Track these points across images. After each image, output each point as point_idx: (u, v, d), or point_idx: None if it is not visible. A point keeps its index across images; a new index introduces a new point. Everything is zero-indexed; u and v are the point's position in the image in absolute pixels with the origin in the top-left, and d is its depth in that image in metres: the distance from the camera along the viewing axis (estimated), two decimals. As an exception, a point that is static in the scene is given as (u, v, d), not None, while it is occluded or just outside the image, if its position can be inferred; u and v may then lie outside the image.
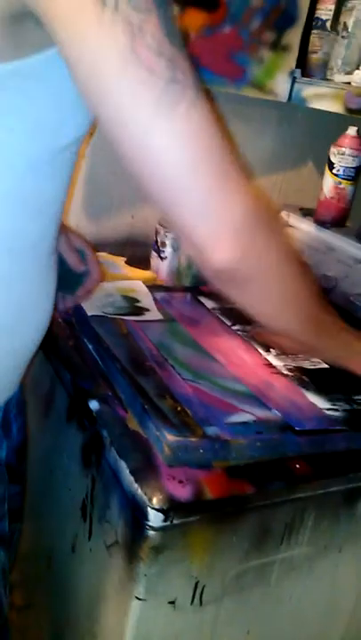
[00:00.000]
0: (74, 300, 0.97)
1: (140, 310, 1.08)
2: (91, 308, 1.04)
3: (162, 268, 1.32)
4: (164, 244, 1.32)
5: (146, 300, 1.13)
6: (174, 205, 0.58)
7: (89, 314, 1.02)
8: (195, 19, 1.21)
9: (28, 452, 0.93)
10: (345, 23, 1.29)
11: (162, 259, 1.32)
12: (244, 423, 0.80)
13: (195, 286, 1.28)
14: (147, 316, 1.06)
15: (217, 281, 0.65)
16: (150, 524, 0.71)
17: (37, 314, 0.75)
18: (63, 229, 0.95)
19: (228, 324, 1.09)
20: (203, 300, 1.18)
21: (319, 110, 1.33)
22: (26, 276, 0.71)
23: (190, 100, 0.54)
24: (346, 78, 1.29)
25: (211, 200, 0.57)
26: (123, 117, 0.55)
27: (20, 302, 0.71)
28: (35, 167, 0.65)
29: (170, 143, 0.55)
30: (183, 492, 0.72)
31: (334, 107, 1.29)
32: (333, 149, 1.32)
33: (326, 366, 1.00)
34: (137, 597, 0.75)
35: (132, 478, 0.73)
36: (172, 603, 0.77)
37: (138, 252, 1.40)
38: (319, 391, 0.91)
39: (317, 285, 0.77)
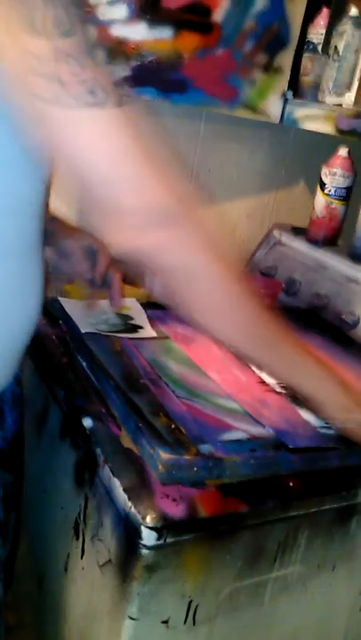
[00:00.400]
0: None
1: (134, 328, 1.09)
2: (84, 325, 1.04)
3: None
4: (157, 262, 1.32)
5: (139, 317, 1.13)
6: (96, 196, 0.64)
7: (83, 331, 1.02)
8: (188, 41, 1.23)
9: (24, 444, 0.92)
10: (336, 47, 1.32)
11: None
12: (238, 441, 0.80)
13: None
14: (140, 334, 1.07)
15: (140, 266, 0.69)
16: (144, 542, 0.70)
17: (22, 309, 0.76)
18: (73, 230, 0.99)
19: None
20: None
21: (311, 131, 1.36)
22: (6, 273, 0.72)
23: (114, 101, 0.60)
24: (337, 100, 1.32)
25: (128, 192, 0.62)
26: (50, 125, 0.60)
27: (3, 299, 0.73)
28: (8, 165, 0.66)
29: (93, 139, 0.60)
30: (177, 511, 0.71)
31: (326, 128, 1.31)
32: (325, 170, 1.33)
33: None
34: (130, 617, 0.74)
35: (125, 496, 0.73)
36: (165, 622, 0.76)
37: (132, 269, 1.41)
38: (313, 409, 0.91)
39: (271, 309, 0.76)
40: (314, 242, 1.38)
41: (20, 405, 0.89)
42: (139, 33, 1.18)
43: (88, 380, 0.95)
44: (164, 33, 1.20)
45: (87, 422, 0.86)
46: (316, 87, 1.38)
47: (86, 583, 0.86)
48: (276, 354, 0.77)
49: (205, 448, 0.76)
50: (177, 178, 0.66)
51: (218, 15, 1.24)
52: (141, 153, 0.63)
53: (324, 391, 0.80)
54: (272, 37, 1.34)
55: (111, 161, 0.61)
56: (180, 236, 0.65)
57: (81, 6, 0.59)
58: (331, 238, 1.37)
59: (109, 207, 0.63)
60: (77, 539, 0.88)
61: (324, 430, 0.86)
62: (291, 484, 0.79)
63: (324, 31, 1.36)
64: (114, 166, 0.62)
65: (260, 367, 0.86)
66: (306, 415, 0.89)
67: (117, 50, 1.16)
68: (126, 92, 1.20)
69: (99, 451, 0.81)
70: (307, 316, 1.31)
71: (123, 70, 1.18)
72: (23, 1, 0.55)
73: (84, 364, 0.99)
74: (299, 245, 1.42)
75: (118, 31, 1.16)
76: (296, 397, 0.94)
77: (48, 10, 0.56)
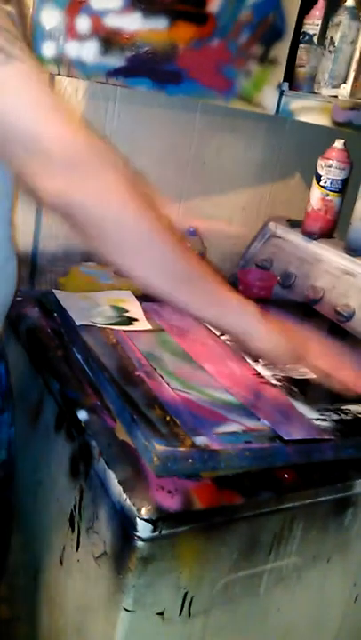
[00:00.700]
0: None
1: (129, 320, 1.08)
2: (79, 317, 1.04)
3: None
4: (152, 255, 1.32)
5: (135, 309, 1.13)
6: (7, 145, 0.64)
7: (78, 324, 1.02)
8: (184, 32, 1.22)
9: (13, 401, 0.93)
10: (332, 38, 1.31)
11: (151, 269, 1.32)
12: (233, 433, 0.80)
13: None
14: (136, 326, 1.07)
15: (60, 218, 0.67)
16: (139, 534, 0.70)
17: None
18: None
19: (217, 334, 1.10)
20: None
21: (306, 123, 1.35)
22: None
23: (12, 69, 0.61)
24: (333, 92, 1.31)
25: (29, 142, 0.62)
26: None
27: None
28: None
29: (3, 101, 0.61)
30: (172, 503, 0.71)
31: (321, 120, 1.30)
32: (321, 162, 1.33)
33: (315, 376, 1.00)
34: (125, 609, 0.74)
35: (120, 489, 0.73)
36: (160, 614, 0.76)
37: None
38: (308, 401, 0.91)
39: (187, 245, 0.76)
40: (309, 234, 1.37)
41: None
42: (133, 23, 1.17)
43: (83, 373, 0.95)
44: (159, 23, 1.19)
45: (82, 415, 0.86)
46: (312, 79, 1.37)
47: (82, 575, 0.86)
48: (196, 290, 0.74)
49: (200, 440, 0.76)
50: (85, 126, 0.67)
51: (213, 6, 1.23)
52: (52, 103, 0.64)
53: (245, 324, 0.77)
54: (268, 28, 1.33)
55: (26, 111, 0.62)
56: (91, 177, 0.65)
57: None
58: (327, 231, 1.37)
59: (18, 163, 0.65)
60: (73, 531, 0.88)
61: (318, 422, 0.86)
62: (286, 476, 0.79)
63: (319, 22, 1.35)
64: (28, 117, 0.62)
65: (177, 306, 0.79)
66: (301, 407, 0.89)
67: (112, 40, 1.15)
68: (121, 82, 1.19)
69: (94, 443, 0.81)
70: (302, 308, 1.31)
71: (117, 61, 1.17)
72: None
73: (79, 356, 0.99)
74: (294, 238, 1.41)
75: (113, 21, 1.14)
76: (291, 389, 0.95)
77: None
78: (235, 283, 1.38)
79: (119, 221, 0.67)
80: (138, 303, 1.15)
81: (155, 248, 0.68)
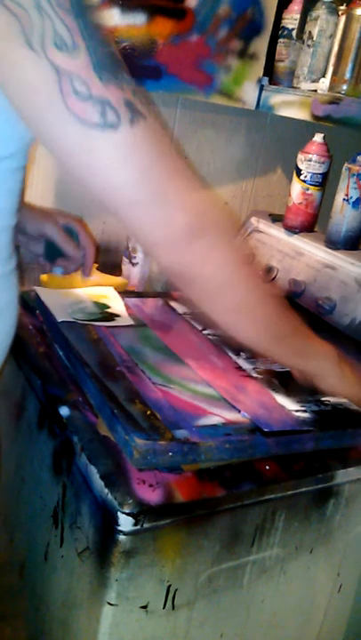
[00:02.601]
0: (50, 268, 1.06)
1: (111, 316, 1.08)
2: (61, 314, 1.04)
3: (133, 274, 1.33)
4: (135, 251, 1.33)
5: (117, 305, 1.13)
6: (124, 217, 0.64)
7: (59, 320, 1.02)
8: (162, 27, 1.22)
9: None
10: (310, 32, 1.31)
11: (133, 265, 1.32)
12: (213, 426, 0.80)
13: (166, 292, 1.28)
14: (117, 322, 1.07)
15: (170, 277, 0.73)
16: (121, 528, 0.71)
17: None
18: (49, 214, 1.01)
19: (199, 328, 1.10)
20: (174, 305, 1.19)
21: (287, 117, 1.36)
22: None
23: (128, 120, 0.59)
24: (312, 86, 1.32)
25: (153, 212, 0.63)
26: (64, 146, 0.60)
27: None
28: None
29: (111, 163, 0.60)
30: (153, 496, 0.72)
31: (301, 114, 1.31)
32: (301, 156, 1.34)
33: None
34: (109, 603, 0.74)
35: (102, 483, 0.74)
36: (144, 607, 0.77)
37: (109, 258, 1.41)
38: (288, 393, 0.92)
39: (285, 303, 0.81)
40: (291, 228, 1.38)
41: None
42: (112, 19, 1.16)
43: (65, 369, 0.95)
44: (138, 19, 1.19)
45: (64, 411, 0.86)
46: (292, 73, 1.37)
47: (66, 571, 0.86)
48: (288, 345, 0.84)
49: (180, 433, 0.77)
50: (200, 188, 0.67)
51: (191, 1, 1.23)
52: (162, 169, 0.63)
53: (324, 368, 0.88)
54: (247, 23, 1.33)
55: (131, 183, 0.61)
56: (211, 249, 0.67)
57: (88, 17, 0.56)
58: (308, 225, 1.37)
59: (139, 228, 0.65)
60: (57, 527, 0.88)
61: (299, 414, 0.86)
62: (267, 468, 0.80)
63: (298, 17, 1.35)
64: (135, 188, 0.61)
65: (273, 358, 0.95)
66: (281, 399, 0.90)
67: (90, 36, 1.15)
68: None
69: (76, 439, 0.81)
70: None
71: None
72: (17, 13, 0.53)
73: (61, 352, 0.99)
74: (276, 232, 1.42)
75: (90, 17, 1.14)
76: (272, 382, 0.95)
77: (45, 23, 0.53)
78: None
79: (232, 291, 0.72)
80: (120, 299, 1.15)
81: (259, 312, 0.76)
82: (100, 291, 1.17)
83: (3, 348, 0.81)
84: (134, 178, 0.61)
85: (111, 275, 1.30)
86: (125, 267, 1.34)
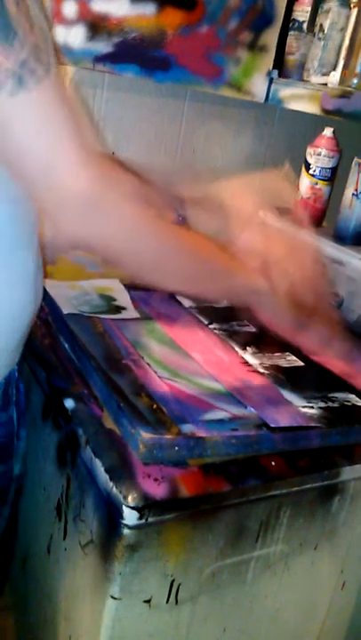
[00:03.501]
0: None
1: (117, 309, 1.08)
2: (67, 306, 1.03)
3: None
4: (141, 243, 1.32)
5: (123, 298, 1.12)
6: (24, 169, 0.62)
7: (65, 312, 1.01)
8: (172, 17, 1.21)
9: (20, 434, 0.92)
10: (321, 25, 1.30)
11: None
12: (220, 420, 0.80)
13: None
14: (123, 315, 1.06)
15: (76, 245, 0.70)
16: (125, 522, 0.70)
17: (12, 304, 0.76)
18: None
19: (206, 322, 1.09)
20: (180, 298, 1.18)
21: (296, 111, 1.34)
22: None
23: (37, 77, 0.58)
24: (322, 79, 1.30)
25: (45, 179, 0.61)
26: None
27: None
28: None
29: (17, 113, 0.59)
30: (158, 490, 0.71)
31: (311, 108, 1.30)
32: (310, 150, 1.32)
33: (302, 364, 1.01)
34: (112, 597, 0.74)
35: (107, 477, 0.73)
36: (147, 601, 0.76)
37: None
38: (295, 389, 0.91)
39: (208, 244, 0.78)
40: (298, 223, 1.37)
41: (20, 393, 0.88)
42: (121, 8, 1.15)
43: (70, 362, 0.95)
44: (148, 9, 1.18)
45: (69, 403, 0.85)
46: (302, 66, 1.36)
47: (69, 564, 0.86)
48: (217, 288, 0.80)
49: (187, 427, 0.76)
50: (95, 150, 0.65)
51: (202, -9, 1.22)
52: (55, 132, 0.61)
53: (259, 303, 0.84)
54: (257, 15, 1.32)
55: (43, 140, 0.60)
56: (116, 219, 0.65)
57: None
58: (315, 219, 1.37)
59: (47, 192, 0.63)
60: (60, 520, 0.88)
61: (305, 410, 0.86)
62: (273, 464, 0.79)
63: (309, 9, 1.34)
64: (26, 154, 0.60)
65: (199, 297, 0.93)
66: (288, 395, 0.89)
67: (99, 26, 1.14)
68: (108, 68, 1.18)
69: (81, 431, 0.81)
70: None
71: (105, 47, 1.16)
72: None
73: (66, 345, 0.98)
74: (283, 227, 1.41)
75: (100, 6, 1.13)
76: (278, 377, 0.94)
77: None
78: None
79: (137, 252, 0.69)
80: (126, 292, 1.15)
81: (176, 262, 0.74)
82: (106, 283, 1.17)
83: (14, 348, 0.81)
84: (25, 142, 0.60)
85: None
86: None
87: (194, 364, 0.94)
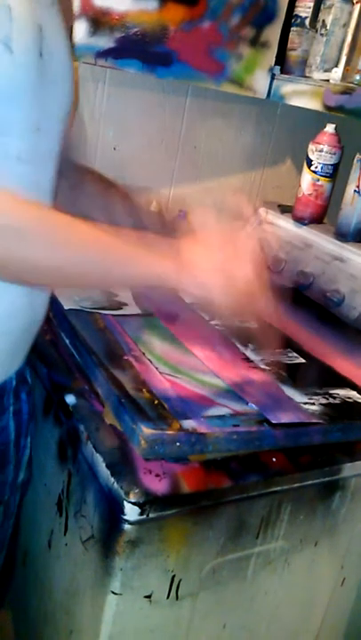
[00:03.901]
0: None
1: (119, 304, 1.08)
2: (68, 302, 1.03)
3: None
4: (142, 240, 1.31)
5: (124, 294, 1.12)
6: None
7: (66, 308, 1.01)
8: (174, 13, 1.20)
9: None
10: (324, 21, 1.29)
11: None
12: (221, 416, 0.80)
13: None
14: (125, 311, 1.06)
15: None
16: (126, 517, 0.70)
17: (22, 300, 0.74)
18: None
19: (207, 318, 1.09)
20: (182, 295, 1.18)
21: (298, 107, 1.34)
22: None
23: None
24: (324, 76, 1.30)
25: None
26: None
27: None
28: None
29: None
30: (160, 486, 0.71)
31: (313, 104, 1.29)
32: (312, 146, 1.32)
33: (304, 361, 1.01)
34: (113, 592, 0.74)
35: (108, 472, 0.73)
36: (148, 597, 0.77)
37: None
38: (296, 385, 0.91)
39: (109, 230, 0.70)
40: (300, 220, 1.37)
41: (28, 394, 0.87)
42: (123, 3, 1.15)
43: (71, 357, 0.95)
44: (150, 4, 1.18)
45: (70, 399, 0.85)
46: (304, 62, 1.36)
47: (70, 559, 0.86)
48: (112, 277, 0.73)
49: (188, 423, 0.76)
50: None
51: (204, -14, 1.22)
52: None
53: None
54: (259, 11, 1.31)
55: None
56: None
57: None
58: (317, 216, 1.36)
59: None
60: (61, 515, 0.88)
61: (307, 406, 0.86)
62: (273, 460, 0.79)
63: (312, 5, 1.33)
64: None
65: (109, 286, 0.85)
66: (289, 391, 0.89)
67: (101, 20, 1.14)
68: (110, 64, 1.18)
69: (82, 427, 0.81)
70: (292, 294, 1.30)
71: (106, 42, 1.15)
72: None
73: (67, 340, 0.98)
74: (285, 223, 1.41)
75: (102, 1, 1.13)
76: (280, 374, 0.94)
77: None
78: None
79: (49, 256, 0.65)
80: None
81: (85, 262, 0.68)
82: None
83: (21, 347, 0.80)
84: None
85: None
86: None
87: (195, 361, 0.94)
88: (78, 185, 0.88)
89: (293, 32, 1.36)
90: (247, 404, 0.84)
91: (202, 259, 0.72)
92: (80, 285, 0.84)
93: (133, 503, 0.70)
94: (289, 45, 1.38)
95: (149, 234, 0.76)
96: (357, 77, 1.24)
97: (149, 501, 0.70)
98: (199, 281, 0.72)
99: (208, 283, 0.72)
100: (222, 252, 0.74)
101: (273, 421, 0.80)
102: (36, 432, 0.96)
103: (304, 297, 1.29)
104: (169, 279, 0.71)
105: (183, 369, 0.90)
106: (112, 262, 0.69)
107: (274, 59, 1.37)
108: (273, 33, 1.35)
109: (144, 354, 0.92)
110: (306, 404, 0.86)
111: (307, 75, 1.34)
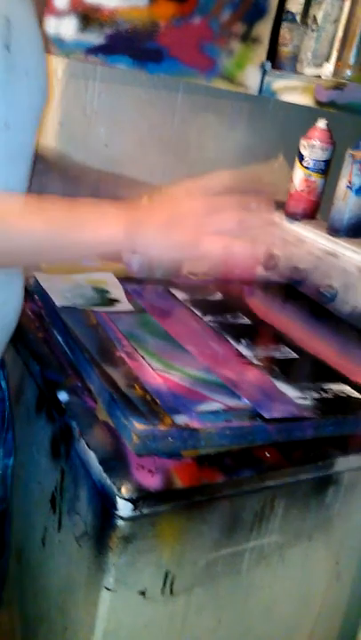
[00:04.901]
0: None
1: (111, 301, 1.08)
2: (60, 299, 1.03)
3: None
4: (135, 236, 1.31)
5: (116, 291, 1.12)
6: None
7: (58, 305, 1.01)
8: (165, 9, 1.20)
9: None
10: (315, 16, 1.29)
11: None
12: (214, 412, 0.80)
13: (166, 278, 1.27)
14: (117, 308, 1.06)
15: None
16: (119, 513, 0.70)
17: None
18: None
19: (200, 315, 1.09)
20: (174, 291, 1.18)
21: (290, 103, 1.34)
22: None
23: None
24: (316, 71, 1.30)
25: None
26: None
27: None
28: None
29: None
30: (153, 482, 0.71)
31: (304, 100, 1.29)
32: (303, 142, 1.32)
33: (296, 356, 1.01)
34: (106, 588, 0.74)
35: (101, 468, 0.73)
36: (142, 593, 0.76)
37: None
38: (289, 380, 0.91)
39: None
40: (292, 215, 1.37)
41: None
42: None
43: (64, 354, 0.94)
44: (140, 0, 1.17)
45: (63, 396, 0.85)
46: (295, 58, 1.36)
47: (64, 556, 0.85)
48: (62, 249, 0.70)
49: (180, 419, 0.76)
50: None
51: (194, -18, 1.21)
52: None
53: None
54: (250, 6, 1.31)
55: None
56: None
57: None
58: (309, 212, 1.36)
59: None
60: (54, 512, 0.87)
61: (299, 401, 0.86)
62: (267, 455, 0.79)
63: (303, 0, 1.33)
64: None
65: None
66: (282, 386, 0.89)
67: (91, 17, 1.13)
68: (100, 60, 1.18)
69: (74, 424, 0.80)
70: (285, 289, 1.31)
71: (97, 38, 1.15)
72: None
73: (60, 337, 0.98)
74: (277, 219, 1.41)
75: (92, -3, 1.13)
76: (272, 369, 0.94)
77: None
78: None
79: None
80: (120, 284, 1.14)
81: (42, 238, 0.66)
82: (99, 276, 1.16)
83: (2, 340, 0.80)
84: None
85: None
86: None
87: (188, 357, 0.94)
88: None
89: (284, 28, 1.36)
90: (240, 399, 0.84)
91: (149, 218, 0.69)
92: (37, 263, 0.88)
93: (126, 499, 0.69)
94: (280, 41, 1.37)
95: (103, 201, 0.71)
96: (349, 72, 1.24)
97: (142, 497, 0.70)
98: (149, 241, 0.69)
99: (157, 242, 0.69)
100: (169, 209, 0.71)
101: (266, 416, 0.80)
102: (29, 429, 0.96)
103: (297, 292, 1.29)
104: (118, 241, 0.69)
105: (176, 365, 0.90)
106: (58, 234, 0.67)
107: (265, 54, 1.37)
108: (264, 28, 1.34)
109: (136, 350, 0.92)
110: (299, 398, 0.87)
111: (298, 70, 1.34)
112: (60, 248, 0.69)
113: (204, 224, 0.68)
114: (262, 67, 1.37)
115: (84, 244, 0.69)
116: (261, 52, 1.36)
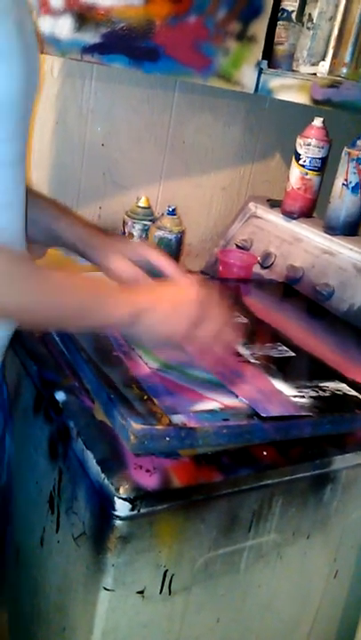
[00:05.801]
0: None
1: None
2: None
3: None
4: (131, 235, 1.31)
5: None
6: None
7: (55, 305, 1.00)
8: (160, 8, 1.20)
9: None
10: (310, 14, 1.30)
11: (130, 250, 1.31)
12: (211, 411, 0.80)
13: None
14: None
15: None
16: (117, 513, 0.70)
17: None
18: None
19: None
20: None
21: (286, 101, 1.34)
22: None
23: None
24: (311, 69, 1.30)
25: None
26: None
27: None
28: None
29: None
30: (150, 481, 0.71)
31: (300, 98, 1.29)
32: (300, 140, 1.32)
33: (293, 354, 1.01)
34: (105, 588, 0.74)
35: (98, 468, 0.73)
36: (140, 592, 0.76)
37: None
38: (286, 379, 0.91)
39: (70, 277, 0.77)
40: (289, 214, 1.37)
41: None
42: (109, -1, 1.15)
43: (61, 354, 0.94)
44: (135, -1, 1.17)
45: (60, 396, 0.85)
46: (291, 56, 1.36)
47: (62, 556, 0.85)
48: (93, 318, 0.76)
49: (178, 418, 0.76)
50: None
51: (190, -19, 1.21)
52: None
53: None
54: (246, 5, 1.31)
55: None
56: None
57: None
58: (306, 210, 1.37)
59: None
60: (52, 512, 0.87)
61: (296, 399, 0.86)
62: (264, 453, 0.79)
63: (298, -2, 1.33)
64: None
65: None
66: (279, 385, 0.89)
67: (86, 16, 1.13)
68: (96, 59, 1.17)
69: (72, 424, 0.80)
70: (282, 288, 1.31)
71: (92, 37, 1.15)
72: None
73: (57, 337, 0.98)
74: (274, 218, 1.41)
75: (87, -4, 1.12)
76: (269, 367, 0.94)
77: None
78: (215, 263, 1.37)
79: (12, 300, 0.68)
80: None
81: (50, 307, 0.72)
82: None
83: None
84: None
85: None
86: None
87: (185, 356, 0.94)
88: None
89: (280, 26, 1.36)
90: (237, 397, 0.84)
91: (152, 307, 0.78)
92: (51, 327, 0.93)
93: (124, 499, 0.69)
94: (276, 39, 1.38)
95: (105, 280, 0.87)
96: (344, 70, 1.24)
97: (140, 497, 0.70)
98: (145, 329, 0.77)
99: (152, 330, 0.78)
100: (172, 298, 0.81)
101: (263, 415, 0.80)
102: (27, 430, 0.96)
103: (294, 291, 1.29)
104: (122, 323, 0.77)
105: (173, 364, 0.90)
106: (84, 310, 0.75)
107: (261, 53, 1.37)
108: (260, 27, 1.35)
109: (133, 349, 0.92)
110: (296, 397, 0.87)
111: (294, 69, 1.35)
112: (80, 319, 0.76)
113: (194, 326, 0.79)
114: (258, 65, 1.37)
115: (98, 322, 0.78)
116: (257, 50, 1.36)
